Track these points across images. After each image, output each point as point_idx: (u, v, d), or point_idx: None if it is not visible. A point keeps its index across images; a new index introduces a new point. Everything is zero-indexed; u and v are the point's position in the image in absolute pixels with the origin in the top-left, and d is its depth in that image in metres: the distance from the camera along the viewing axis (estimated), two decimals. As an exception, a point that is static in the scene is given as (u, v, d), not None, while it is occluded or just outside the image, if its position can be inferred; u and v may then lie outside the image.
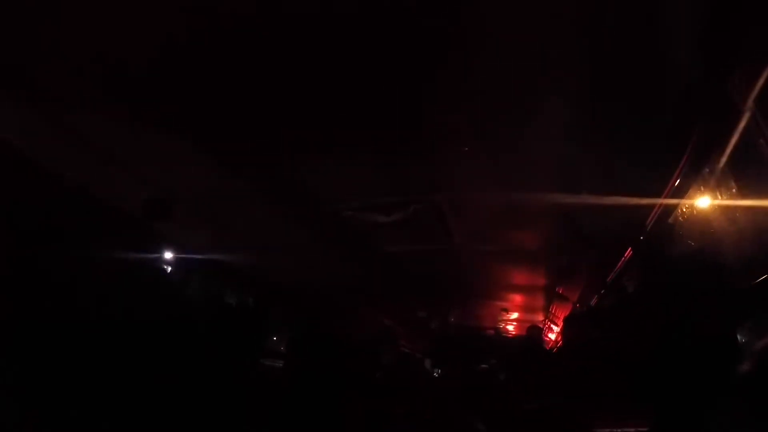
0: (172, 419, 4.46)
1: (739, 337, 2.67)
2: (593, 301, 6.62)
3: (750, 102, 2.43)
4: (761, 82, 2.34)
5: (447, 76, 3.36)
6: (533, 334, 7.12)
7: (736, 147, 2.65)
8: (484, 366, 5.47)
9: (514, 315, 10.52)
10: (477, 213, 5.42)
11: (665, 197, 3.87)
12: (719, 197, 3.15)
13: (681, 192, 3.58)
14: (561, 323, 8.50)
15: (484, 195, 4.78)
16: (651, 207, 4.16)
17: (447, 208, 5.37)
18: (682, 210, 3.84)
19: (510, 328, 11.25)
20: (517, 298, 9.35)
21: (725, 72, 2.54)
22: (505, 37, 2.95)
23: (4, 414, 3.76)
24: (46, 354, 4.16)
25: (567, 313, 8.08)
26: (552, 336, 10.10)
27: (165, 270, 5.96)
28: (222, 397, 4.86)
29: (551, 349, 9.16)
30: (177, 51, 3.28)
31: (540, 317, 9.99)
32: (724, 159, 2.95)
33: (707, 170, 3.19)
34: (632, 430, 3.62)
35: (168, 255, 5.90)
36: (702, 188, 3.33)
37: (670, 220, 4.00)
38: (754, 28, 2.33)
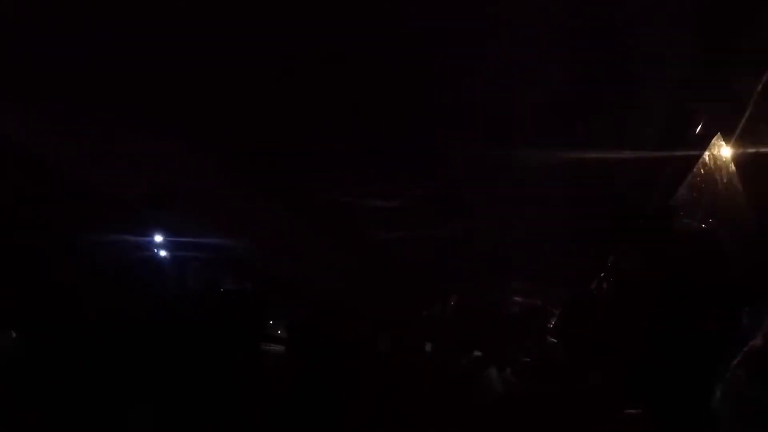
0: (170, 408, 4.49)
1: (743, 319, 2.67)
2: (593, 285, 6.63)
3: (755, 93, 2.42)
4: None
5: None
6: (533, 319, 7.14)
7: (740, 131, 2.63)
8: (480, 353, 5.48)
9: (515, 299, 10.55)
10: (474, 196, 5.42)
11: (665, 179, 3.87)
12: (721, 179, 3.15)
13: (682, 173, 3.58)
14: (560, 307, 8.52)
15: (481, 175, 4.78)
16: (650, 189, 4.16)
17: (443, 192, 5.38)
18: (681, 192, 3.84)
19: (510, 311, 11.27)
20: (517, 282, 9.38)
21: (728, 63, 2.53)
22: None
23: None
24: (45, 341, 4.18)
25: (566, 297, 8.10)
26: (552, 320, 10.12)
27: (163, 259, 5.96)
28: (221, 385, 4.88)
29: (551, 333, 9.19)
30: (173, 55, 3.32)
31: (540, 301, 10.02)
32: (723, 143, 2.94)
33: (708, 154, 3.18)
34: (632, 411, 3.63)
35: (166, 244, 5.90)
36: (703, 170, 3.33)
37: (671, 203, 4.00)
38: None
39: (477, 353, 6.24)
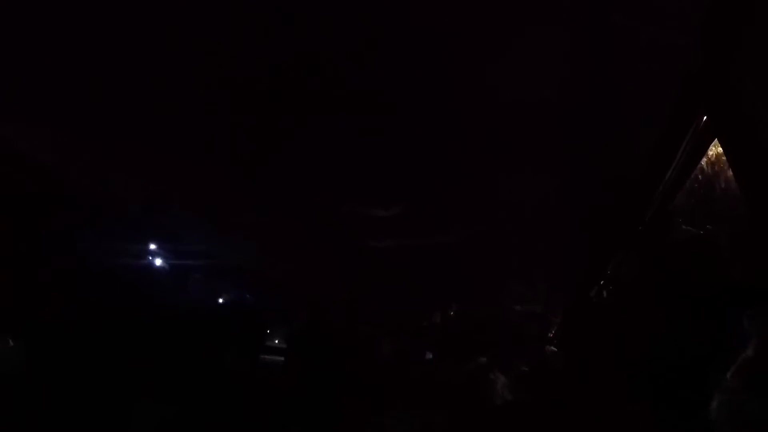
0: (169, 415, 4.46)
1: (743, 324, 2.66)
2: (593, 292, 6.61)
3: (755, 96, 2.41)
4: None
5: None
6: (533, 326, 7.12)
7: (739, 136, 2.62)
8: (483, 359, 5.46)
9: (515, 307, 10.53)
10: (474, 204, 5.42)
11: (663, 185, 3.85)
12: (719, 185, 3.14)
13: (680, 179, 3.56)
14: (561, 314, 8.49)
15: (481, 182, 4.78)
16: (648, 195, 4.14)
17: (443, 200, 5.37)
18: (680, 198, 3.82)
19: (510, 319, 11.25)
20: (518, 289, 9.37)
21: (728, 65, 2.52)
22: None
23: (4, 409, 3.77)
24: (43, 348, 4.16)
25: (567, 304, 8.08)
26: (552, 327, 10.10)
27: (163, 266, 5.95)
28: (221, 395, 4.85)
29: (551, 340, 9.16)
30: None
31: (540, 308, 10.00)
32: (722, 148, 2.93)
33: (707, 160, 3.17)
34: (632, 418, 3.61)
35: (166, 251, 5.88)
36: (701, 176, 3.32)
37: (669, 209, 3.98)
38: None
39: (477, 360, 6.21)
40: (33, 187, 4.39)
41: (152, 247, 5.70)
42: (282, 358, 6.35)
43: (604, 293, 6.02)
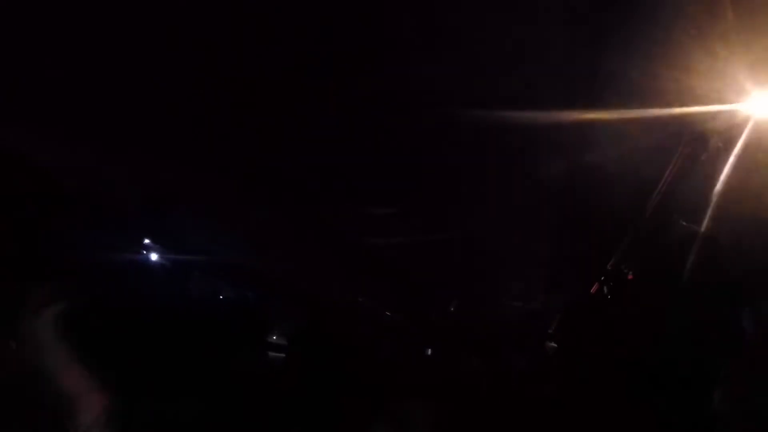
0: (170, 416, 4.47)
1: (742, 320, 2.67)
2: (593, 289, 6.62)
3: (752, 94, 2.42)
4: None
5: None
6: (533, 323, 7.13)
7: (737, 133, 2.63)
8: (483, 357, 5.47)
9: (515, 305, 10.52)
10: (473, 201, 5.42)
11: (663, 182, 3.86)
12: (719, 182, 3.15)
13: (680, 176, 3.57)
14: (560, 311, 8.49)
15: (480, 180, 4.79)
16: (648, 193, 4.15)
17: (442, 196, 5.38)
18: (680, 195, 3.83)
19: (510, 316, 11.24)
20: (518, 287, 9.37)
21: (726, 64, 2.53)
22: None
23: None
24: (43, 350, 4.17)
25: (568, 300, 8.08)
26: (553, 325, 10.10)
27: (163, 266, 5.96)
28: (221, 394, 4.86)
29: (552, 337, 9.16)
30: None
31: (540, 307, 10.00)
32: (721, 145, 2.94)
33: (706, 156, 3.18)
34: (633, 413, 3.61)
35: (166, 251, 5.89)
36: (702, 173, 3.33)
37: (669, 206, 3.99)
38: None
39: (478, 359, 6.23)
40: (33, 187, 4.39)
41: (152, 246, 5.71)
42: (282, 355, 6.36)
43: (605, 289, 6.04)
